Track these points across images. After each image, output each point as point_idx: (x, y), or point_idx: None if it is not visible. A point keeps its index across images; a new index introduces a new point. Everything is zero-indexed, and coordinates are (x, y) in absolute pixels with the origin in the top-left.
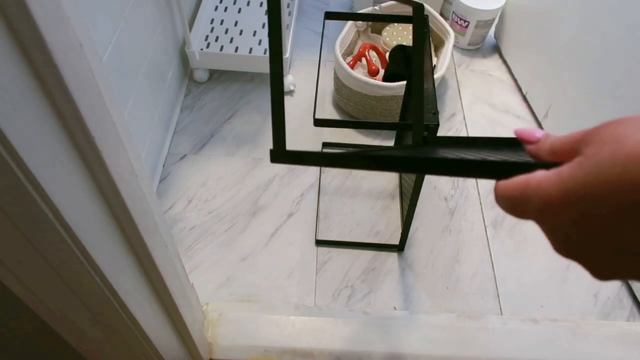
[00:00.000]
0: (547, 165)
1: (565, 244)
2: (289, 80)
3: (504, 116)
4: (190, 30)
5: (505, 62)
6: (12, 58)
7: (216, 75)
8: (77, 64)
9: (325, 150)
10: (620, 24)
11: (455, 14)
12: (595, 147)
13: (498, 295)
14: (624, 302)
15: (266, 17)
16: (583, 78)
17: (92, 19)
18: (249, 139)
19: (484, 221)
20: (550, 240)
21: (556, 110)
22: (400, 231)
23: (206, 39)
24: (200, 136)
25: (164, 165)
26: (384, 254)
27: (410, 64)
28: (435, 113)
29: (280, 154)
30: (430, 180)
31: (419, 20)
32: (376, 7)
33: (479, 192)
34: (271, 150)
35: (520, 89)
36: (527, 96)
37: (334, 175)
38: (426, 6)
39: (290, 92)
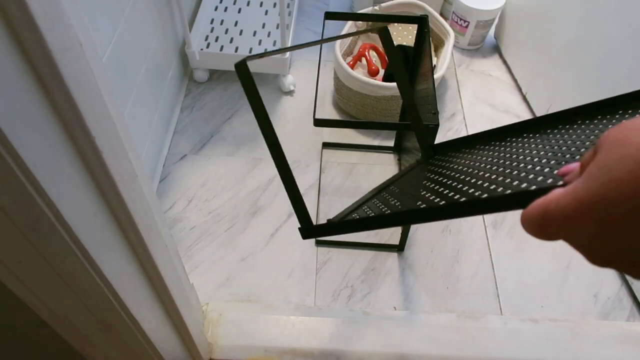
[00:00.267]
0: (563, 185)
1: (596, 254)
2: (288, 81)
3: (504, 116)
4: (190, 30)
5: (505, 62)
6: (12, 58)
7: (216, 75)
8: (77, 64)
9: (348, 216)
10: (620, 23)
11: (455, 14)
12: (604, 154)
13: (498, 295)
14: (624, 302)
15: (266, 17)
16: (583, 78)
17: (92, 19)
18: (249, 139)
19: (484, 221)
20: (583, 254)
21: (556, 110)
22: (400, 231)
23: (206, 39)
24: (200, 136)
25: (164, 165)
26: (384, 254)
27: (410, 64)
28: (435, 113)
29: (310, 230)
30: None
31: (387, 41)
32: (376, 7)
33: None
34: (300, 229)
35: (520, 89)
36: (527, 96)
37: (334, 176)
38: (426, 6)
39: (290, 92)
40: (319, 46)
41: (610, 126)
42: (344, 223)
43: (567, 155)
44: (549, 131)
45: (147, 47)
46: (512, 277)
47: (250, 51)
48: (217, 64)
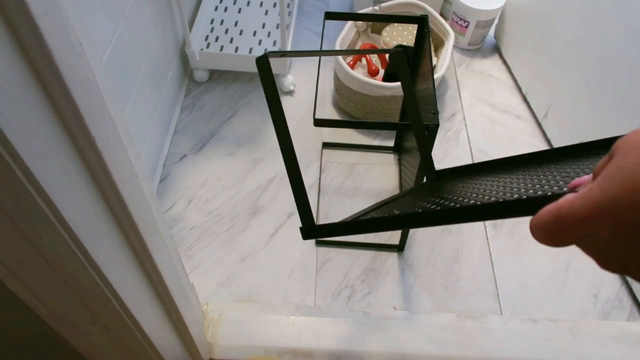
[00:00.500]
0: (574, 191)
1: (610, 259)
2: (288, 81)
3: (504, 116)
4: (190, 30)
5: (505, 62)
6: (12, 58)
7: (216, 75)
8: (77, 64)
9: (352, 218)
10: (620, 24)
11: (455, 14)
12: (620, 158)
13: (498, 295)
14: (623, 302)
15: (266, 17)
16: (583, 78)
17: (92, 19)
18: (249, 139)
19: (484, 221)
20: (594, 259)
21: (556, 110)
22: (400, 231)
23: (206, 39)
24: (200, 136)
25: (164, 165)
26: (384, 254)
27: (410, 65)
28: (435, 113)
29: (311, 230)
30: None
31: (399, 61)
32: (376, 7)
33: None
34: (301, 228)
35: (520, 89)
36: (527, 96)
37: (334, 176)
38: (426, 6)
39: (290, 92)
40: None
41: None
42: (346, 224)
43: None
44: (556, 162)
45: (147, 47)
46: (512, 277)
47: (250, 51)
48: (217, 64)
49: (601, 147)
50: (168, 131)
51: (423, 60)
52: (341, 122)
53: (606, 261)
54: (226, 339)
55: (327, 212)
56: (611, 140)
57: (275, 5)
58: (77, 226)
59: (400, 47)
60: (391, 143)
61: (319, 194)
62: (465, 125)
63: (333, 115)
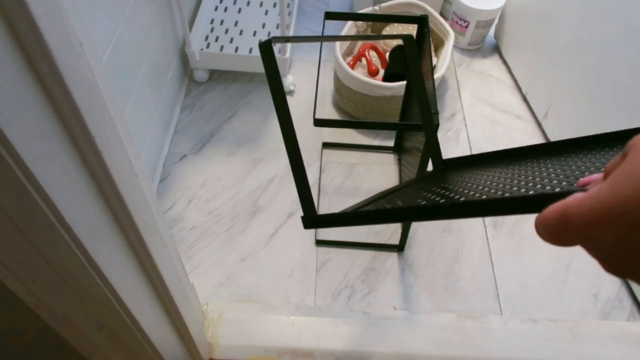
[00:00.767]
0: (583, 190)
1: (616, 262)
2: (288, 81)
3: (504, 116)
4: (190, 30)
5: (505, 62)
6: (12, 58)
7: (216, 75)
8: (77, 64)
9: (353, 208)
10: (620, 24)
11: (455, 14)
12: (633, 159)
13: (498, 295)
14: (623, 302)
15: (266, 17)
16: (583, 78)
17: (92, 19)
18: (249, 139)
19: (484, 221)
20: (599, 261)
21: (556, 110)
22: (400, 231)
23: (206, 39)
24: (200, 136)
25: (164, 165)
26: (384, 254)
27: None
28: (435, 113)
29: (312, 219)
30: None
31: (409, 45)
32: (376, 7)
33: None
34: (302, 217)
35: (520, 89)
36: (527, 96)
37: (334, 176)
38: (426, 6)
39: (290, 92)
40: (318, 46)
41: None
42: (347, 215)
43: (587, 173)
44: (565, 155)
45: (147, 47)
46: (512, 277)
47: (250, 51)
48: (217, 64)
49: (615, 140)
50: (168, 131)
51: (423, 60)
52: (341, 122)
53: (611, 265)
54: (226, 339)
55: (327, 212)
56: (626, 133)
57: (275, 5)
58: (77, 226)
59: (401, 47)
60: (391, 143)
61: (319, 194)
62: (465, 125)
63: (333, 115)
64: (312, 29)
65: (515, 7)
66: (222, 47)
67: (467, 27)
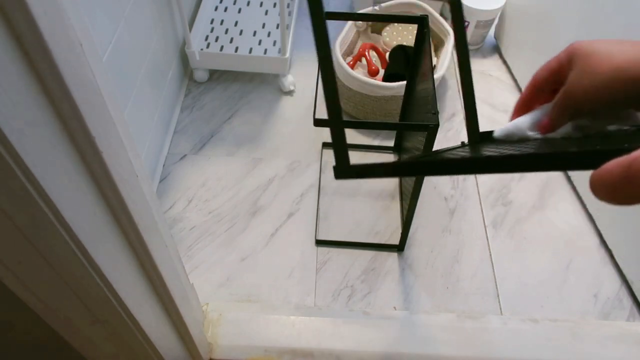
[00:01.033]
0: None
1: None
2: (288, 80)
3: (504, 116)
4: (190, 30)
5: (505, 62)
6: (12, 58)
7: (216, 75)
8: (77, 64)
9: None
10: (620, 24)
11: None
12: None
13: (498, 295)
14: (623, 302)
15: (266, 17)
16: None
17: (92, 19)
18: (249, 139)
19: (484, 221)
20: None
21: None
22: (400, 231)
23: (206, 39)
24: (200, 136)
25: (164, 165)
26: (384, 254)
27: (410, 64)
28: (435, 113)
29: (345, 169)
30: (430, 180)
31: (421, 27)
32: (376, 7)
33: (479, 192)
34: (334, 167)
35: (520, 89)
36: None
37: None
38: (426, 6)
39: (290, 92)
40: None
41: None
42: (385, 165)
43: None
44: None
45: (147, 47)
46: (512, 277)
47: (250, 51)
48: (217, 64)
49: None
50: (168, 131)
51: (423, 60)
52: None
53: None
54: (226, 339)
55: (327, 212)
56: None
57: (275, 5)
58: (77, 226)
59: (400, 47)
60: (391, 143)
61: (319, 194)
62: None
63: None
64: None
65: (515, 7)
66: (222, 47)
67: (467, 27)
